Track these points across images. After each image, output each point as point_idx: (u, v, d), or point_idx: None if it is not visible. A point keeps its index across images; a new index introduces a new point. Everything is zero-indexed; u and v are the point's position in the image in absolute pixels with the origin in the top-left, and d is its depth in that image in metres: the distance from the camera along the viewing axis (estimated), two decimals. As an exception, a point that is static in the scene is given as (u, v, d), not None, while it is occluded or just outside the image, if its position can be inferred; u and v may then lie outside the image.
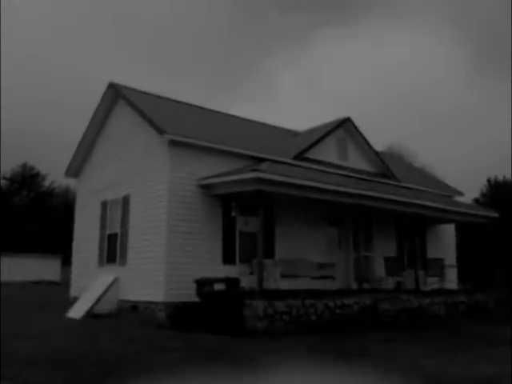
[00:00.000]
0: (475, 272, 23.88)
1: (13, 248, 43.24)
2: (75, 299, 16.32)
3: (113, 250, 16.33)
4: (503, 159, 42.92)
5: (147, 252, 14.44)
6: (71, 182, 21.31)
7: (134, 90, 17.99)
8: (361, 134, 19.51)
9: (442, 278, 19.19)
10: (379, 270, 18.05)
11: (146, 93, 18.55)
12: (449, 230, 22.29)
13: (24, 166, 62.11)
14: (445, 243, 21.85)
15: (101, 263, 16.89)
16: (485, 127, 73.36)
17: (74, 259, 19.21)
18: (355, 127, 19.39)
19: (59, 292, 24.36)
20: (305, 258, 15.54)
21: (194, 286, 12.74)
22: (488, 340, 11.84)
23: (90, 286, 15.91)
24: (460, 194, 23.30)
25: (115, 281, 15.41)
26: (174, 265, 13.64)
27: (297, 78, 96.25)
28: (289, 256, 15.47)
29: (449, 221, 20.61)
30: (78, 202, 19.75)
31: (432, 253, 20.67)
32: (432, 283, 18.53)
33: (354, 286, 17.50)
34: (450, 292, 17.74)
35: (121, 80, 17.80)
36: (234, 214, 15.01)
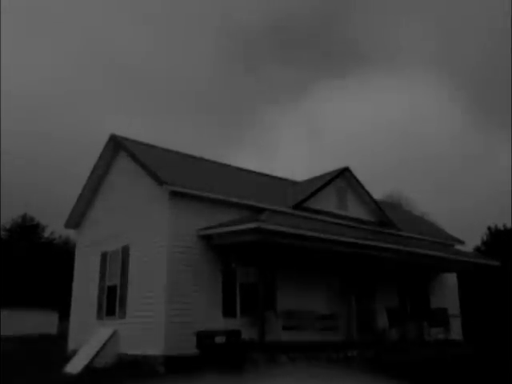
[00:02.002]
0: (479, 322, 23.56)
1: (11, 301, 42.70)
2: (74, 352, 16.02)
3: (112, 302, 16.14)
4: (504, 207, 43.01)
5: (147, 304, 14.26)
6: (71, 233, 21.27)
7: (134, 141, 18.17)
8: (360, 183, 19.60)
9: (445, 328, 18.88)
10: (382, 320, 17.79)
11: (146, 144, 18.71)
12: (451, 279, 22.09)
13: (24, 217, 62.03)
14: (447, 293, 21.61)
15: (100, 316, 16.66)
16: (485, 175, 73.76)
17: (73, 312, 18.96)
18: (354, 177, 19.50)
19: (57, 346, 23.93)
20: (307, 308, 15.36)
21: (194, 338, 12.53)
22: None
23: (89, 340, 15.64)
24: (461, 242, 23.20)
25: (114, 334, 15.17)
26: (173, 317, 13.45)
27: (296, 126, 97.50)
28: (291, 307, 15.29)
29: (451, 270, 20.48)
30: (77, 253, 19.65)
31: (435, 302, 20.42)
32: (436, 334, 18.24)
33: (357, 337, 17.20)
34: (454, 343, 17.45)
35: (121, 130, 18.01)
36: (234, 264, 14.90)
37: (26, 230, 61.70)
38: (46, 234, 62.87)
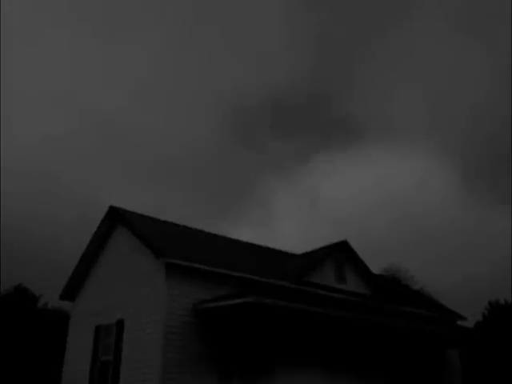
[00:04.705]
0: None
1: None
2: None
3: (104, 377, 15.64)
4: (505, 279, 42.76)
5: (140, 381, 13.83)
6: (65, 305, 20.92)
7: (132, 213, 18.16)
8: (358, 257, 19.50)
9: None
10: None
11: (144, 216, 18.69)
12: (454, 356, 21.52)
13: (17, 288, 61.17)
14: (450, 369, 21.00)
15: (91, 392, 16.10)
16: (485, 248, 73.61)
17: (63, 386, 18.32)
18: (352, 250, 19.44)
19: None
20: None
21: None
22: None
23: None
24: (462, 318, 22.78)
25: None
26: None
27: (295, 198, 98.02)
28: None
29: (452, 346, 20.03)
30: (71, 326, 19.20)
31: (438, 380, 19.81)
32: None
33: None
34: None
35: (119, 202, 18.07)
36: (231, 338, 14.56)
37: (20, 301, 60.61)
38: (40, 305, 61.71)
